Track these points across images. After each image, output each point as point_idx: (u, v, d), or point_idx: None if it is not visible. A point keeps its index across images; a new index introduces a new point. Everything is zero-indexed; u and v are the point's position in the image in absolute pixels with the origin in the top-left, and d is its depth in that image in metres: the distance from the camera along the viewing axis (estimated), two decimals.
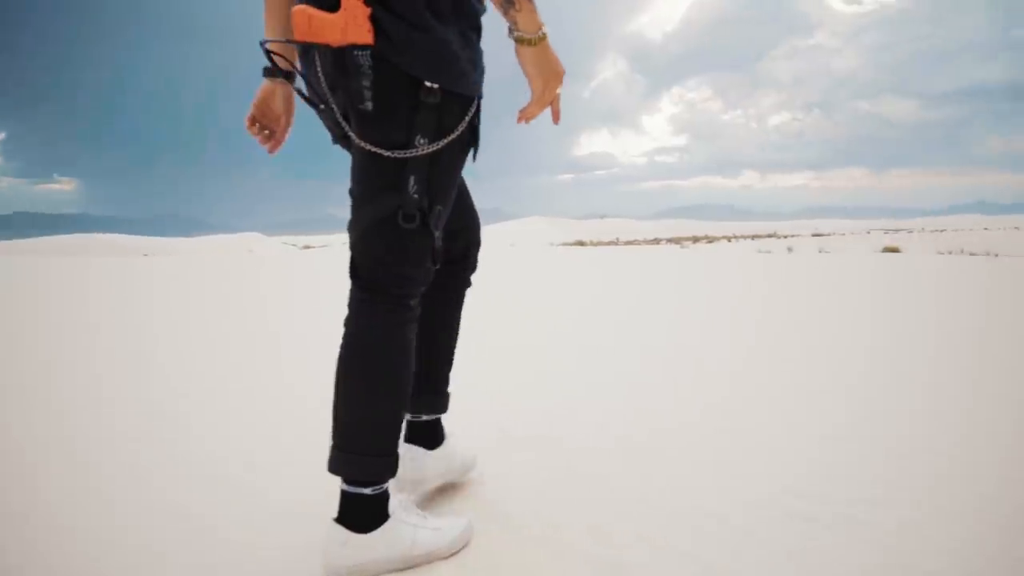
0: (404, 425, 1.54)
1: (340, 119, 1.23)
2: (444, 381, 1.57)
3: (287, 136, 1.46)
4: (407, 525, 1.31)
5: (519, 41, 1.21)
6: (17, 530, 1.44)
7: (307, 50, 1.24)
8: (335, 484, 1.27)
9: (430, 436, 1.55)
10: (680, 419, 2.15)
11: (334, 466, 1.26)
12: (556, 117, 1.34)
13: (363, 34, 1.15)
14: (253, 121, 1.41)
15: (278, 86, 1.39)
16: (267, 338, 3.77)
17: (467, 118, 1.25)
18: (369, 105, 1.19)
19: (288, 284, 7.15)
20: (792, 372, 2.78)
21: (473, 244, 1.53)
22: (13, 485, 1.67)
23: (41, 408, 2.27)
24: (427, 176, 1.24)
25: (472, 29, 1.27)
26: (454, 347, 1.58)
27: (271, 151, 1.44)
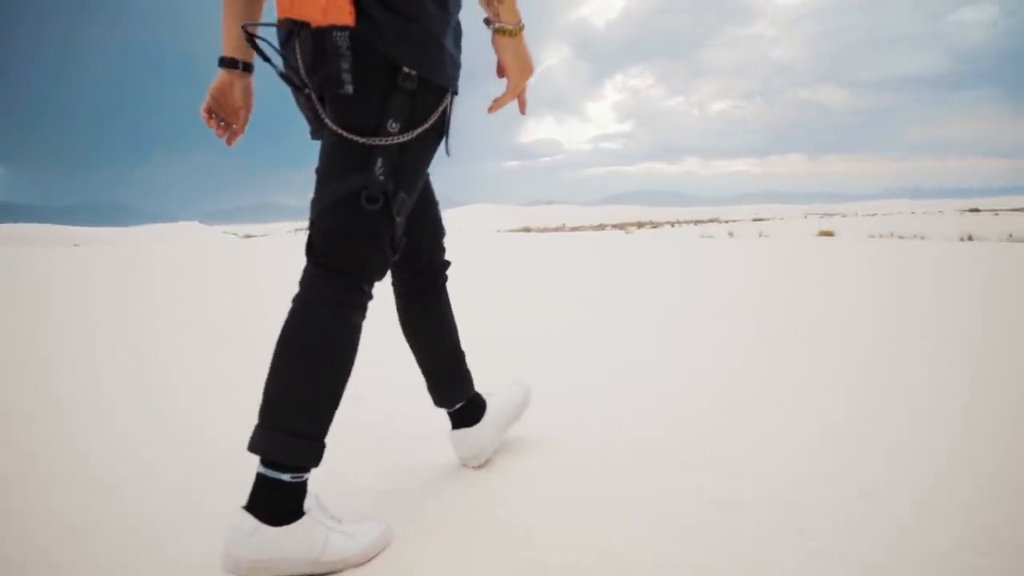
0: (447, 416, 1.67)
1: (316, 103, 1.24)
2: (461, 370, 1.66)
3: (246, 128, 1.43)
4: (321, 526, 1.22)
5: (499, 32, 1.24)
6: (17, 526, 1.43)
7: (288, 35, 1.23)
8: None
9: (470, 415, 1.66)
10: (634, 410, 2.17)
11: (255, 444, 1.20)
12: (523, 108, 1.37)
13: (344, 15, 1.15)
14: (210, 112, 1.38)
15: (236, 77, 1.36)
16: (203, 329, 3.66)
17: (441, 108, 1.27)
18: (348, 88, 1.18)
19: (226, 274, 6.95)
20: (746, 358, 2.84)
21: (438, 265, 1.59)
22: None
23: None
24: (395, 161, 1.24)
25: (455, 22, 1.29)
26: (456, 342, 1.65)
27: (228, 143, 1.42)
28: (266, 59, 1.28)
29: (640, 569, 1.22)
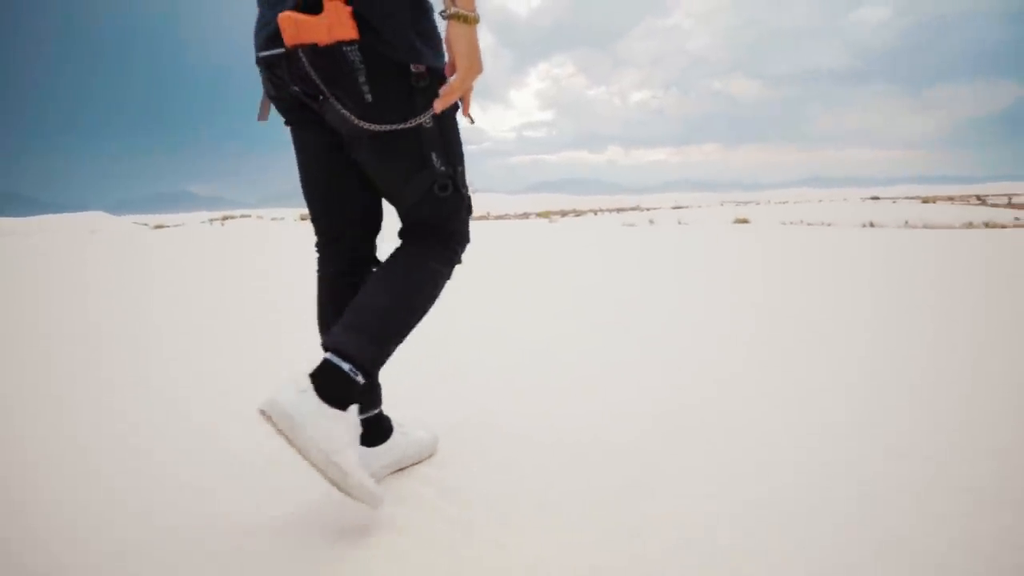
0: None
1: (342, 110, 1.31)
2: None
3: None
4: (347, 434, 1.30)
5: (455, 18, 1.26)
6: (17, 521, 1.43)
7: (290, 52, 1.30)
8: None
9: (371, 434, 1.58)
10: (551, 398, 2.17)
11: (333, 341, 1.33)
12: (466, 108, 1.40)
13: (348, 30, 1.24)
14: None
15: None
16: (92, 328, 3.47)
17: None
18: (368, 97, 1.28)
19: (133, 266, 6.61)
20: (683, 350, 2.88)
21: (362, 259, 1.56)
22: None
23: None
24: (444, 147, 1.39)
25: (430, 9, 1.36)
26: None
27: None
28: (283, 81, 1.36)
29: (638, 569, 1.21)
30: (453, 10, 1.26)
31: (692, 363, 2.51)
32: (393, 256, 1.46)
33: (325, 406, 1.27)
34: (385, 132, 1.32)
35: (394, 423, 1.65)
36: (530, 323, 3.35)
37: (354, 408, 1.33)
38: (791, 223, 14.19)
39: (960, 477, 1.53)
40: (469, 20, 1.26)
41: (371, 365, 1.35)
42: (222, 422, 1.99)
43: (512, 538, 1.32)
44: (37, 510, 1.49)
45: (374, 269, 1.55)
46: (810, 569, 1.19)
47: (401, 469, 1.64)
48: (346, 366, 1.31)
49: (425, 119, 1.33)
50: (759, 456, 1.65)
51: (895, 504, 1.41)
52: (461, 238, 1.49)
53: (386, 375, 1.61)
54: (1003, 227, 13.13)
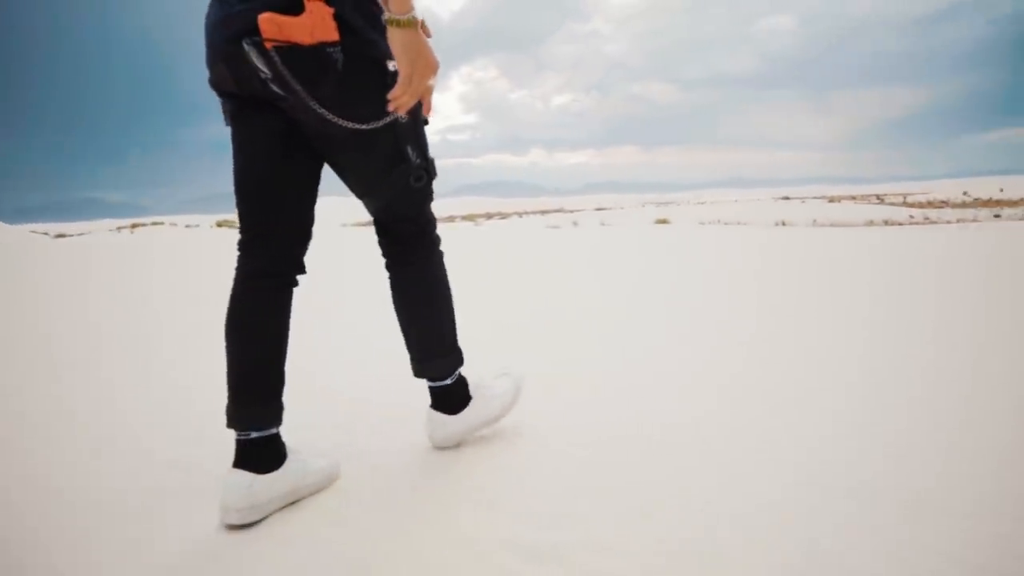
0: (235, 447, 1.46)
1: (321, 110, 1.34)
2: (274, 385, 1.49)
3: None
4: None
5: (389, 23, 1.27)
6: (17, 521, 1.42)
7: (265, 51, 1.30)
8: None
9: (264, 456, 1.46)
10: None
11: (422, 373, 1.69)
12: (427, 109, 1.46)
13: (330, 32, 1.29)
14: None
15: None
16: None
17: None
18: (349, 96, 1.33)
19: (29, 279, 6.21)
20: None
21: (289, 265, 1.50)
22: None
23: None
24: (416, 139, 1.48)
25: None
26: (276, 353, 1.48)
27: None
28: (266, 70, 1.33)
29: (636, 569, 1.20)
30: (387, 15, 1.27)
31: (647, 360, 2.55)
32: (399, 278, 1.65)
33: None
34: (365, 130, 1.37)
35: (289, 449, 1.52)
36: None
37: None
38: (709, 223, 14.68)
39: (960, 476, 1.52)
40: (402, 24, 1.26)
41: (458, 361, 1.71)
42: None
43: (511, 539, 1.31)
44: (36, 510, 1.48)
45: (298, 276, 1.52)
46: (810, 569, 1.19)
47: (296, 501, 1.50)
48: (448, 381, 1.68)
49: (402, 114, 1.39)
50: (759, 456, 1.65)
51: (895, 504, 1.40)
52: (433, 224, 1.65)
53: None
54: (900, 224, 13.99)
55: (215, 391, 2.24)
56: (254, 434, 1.44)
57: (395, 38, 1.27)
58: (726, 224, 13.41)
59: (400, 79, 1.29)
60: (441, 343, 1.68)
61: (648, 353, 2.69)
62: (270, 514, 1.44)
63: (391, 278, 1.67)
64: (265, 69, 1.32)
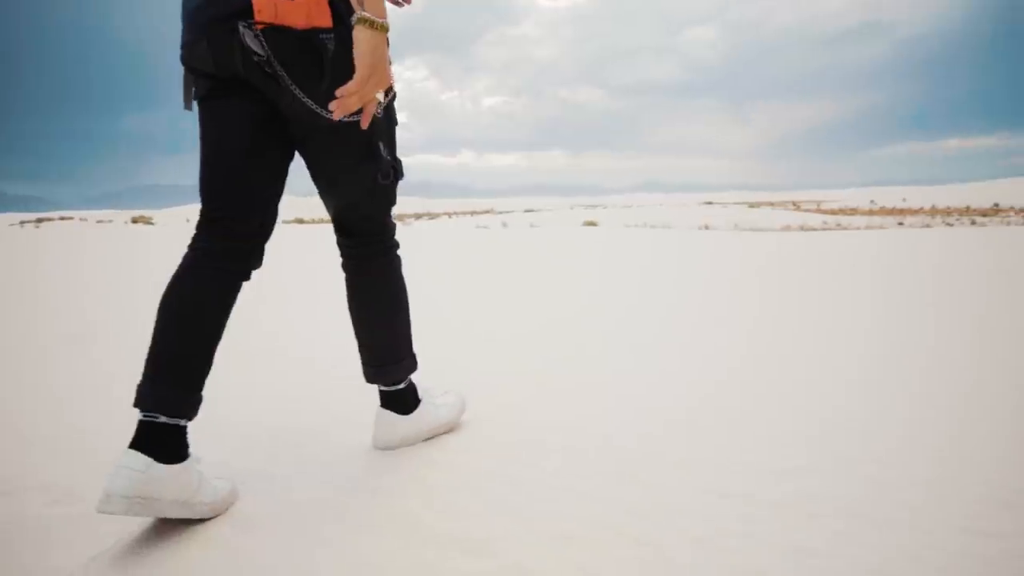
0: (136, 427, 1.32)
1: (305, 99, 1.32)
2: (202, 379, 1.39)
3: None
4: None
5: (361, 21, 1.25)
6: (16, 521, 1.38)
7: (259, 32, 1.28)
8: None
9: (169, 445, 1.31)
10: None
11: (376, 379, 1.67)
12: (365, 121, 1.33)
13: (325, 18, 1.30)
14: None
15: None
16: None
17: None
18: (334, 85, 1.27)
19: None
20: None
21: (258, 243, 1.46)
22: None
23: None
24: (387, 135, 1.49)
25: None
26: (209, 341, 1.39)
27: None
28: (260, 52, 1.30)
29: (634, 569, 1.19)
30: (361, 14, 1.25)
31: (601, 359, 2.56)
32: (357, 283, 1.62)
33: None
34: (343, 122, 1.35)
35: (192, 456, 1.37)
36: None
37: None
38: (635, 225, 15.00)
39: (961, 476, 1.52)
40: (376, 26, 1.26)
41: (411, 366, 1.69)
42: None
43: (510, 538, 1.29)
44: (36, 510, 1.44)
45: (254, 272, 1.45)
46: (809, 570, 1.18)
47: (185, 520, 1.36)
48: (402, 385, 1.68)
49: (379, 109, 1.37)
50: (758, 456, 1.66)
51: (895, 504, 1.40)
52: (393, 228, 1.63)
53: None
54: (815, 230, 14.68)
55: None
56: (163, 418, 1.30)
57: (363, 39, 1.25)
58: (652, 227, 13.73)
59: (356, 79, 1.25)
60: (399, 349, 1.67)
61: (584, 351, 2.71)
62: (156, 517, 1.31)
63: (348, 280, 1.64)
64: (259, 51, 1.30)
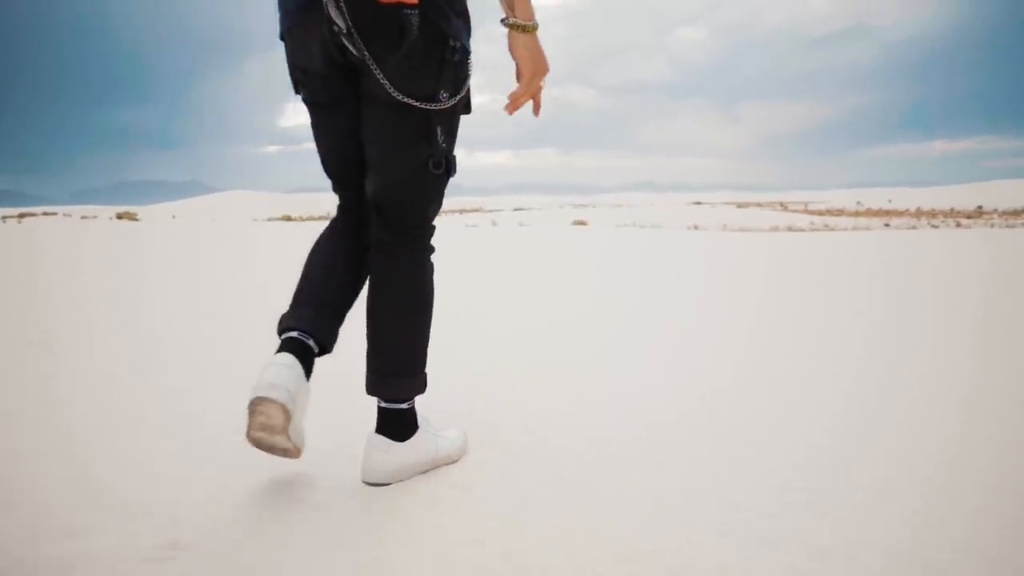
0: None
1: (377, 72, 1.32)
2: (336, 310, 1.56)
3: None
4: (430, 434, 1.55)
5: (513, 27, 1.34)
6: (16, 520, 1.36)
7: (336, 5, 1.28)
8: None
9: (305, 359, 1.46)
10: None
11: (377, 389, 1.52)
12: (536, 109, 1.47)
13: None
14: None
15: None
16: None
17: (469, 73, 1.43)
18: (415, 60, 1.32)
19: None
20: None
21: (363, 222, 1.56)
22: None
23: None
24: (449, 127, 1.45)
25: None
26: (344, 283, 1.56)
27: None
28: (340, 23, 1.31)
29: (633, 569, 1.18)
30: (512, 20, 1.33)
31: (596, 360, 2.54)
32: (382, 271, 1.50)
33: (410, 441, 1.51)
34: (405, 100, 1.35)
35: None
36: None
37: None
38: (625, 225, 15.01)
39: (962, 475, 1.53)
40: (528, 29, 1.34)
41: (420, 385, 1.55)
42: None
43: (505, 537, 1.28)
44: (36, 511, 1.43)
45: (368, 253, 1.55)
46: (812, 566, 1.18)
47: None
48: (404, 405, 1.52)
49: (456, 100, 1.40)
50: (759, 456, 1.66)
51: (895, 505, 1.41)
52: (432, 229, 1.55)
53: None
54: (802, 230, 14.74)
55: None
56: (295, 333, 1.45)
57: (519, 42, 1.36)
58: (642, 227, 13.75)
59: (522, 80, 1.39)
60: (411, 362, 1.52)
61: (589, 351, 2.69)
62: (290, 436, 1.39)
63: (373, 274, 1.52)
64: (340, 23, 1.30)
